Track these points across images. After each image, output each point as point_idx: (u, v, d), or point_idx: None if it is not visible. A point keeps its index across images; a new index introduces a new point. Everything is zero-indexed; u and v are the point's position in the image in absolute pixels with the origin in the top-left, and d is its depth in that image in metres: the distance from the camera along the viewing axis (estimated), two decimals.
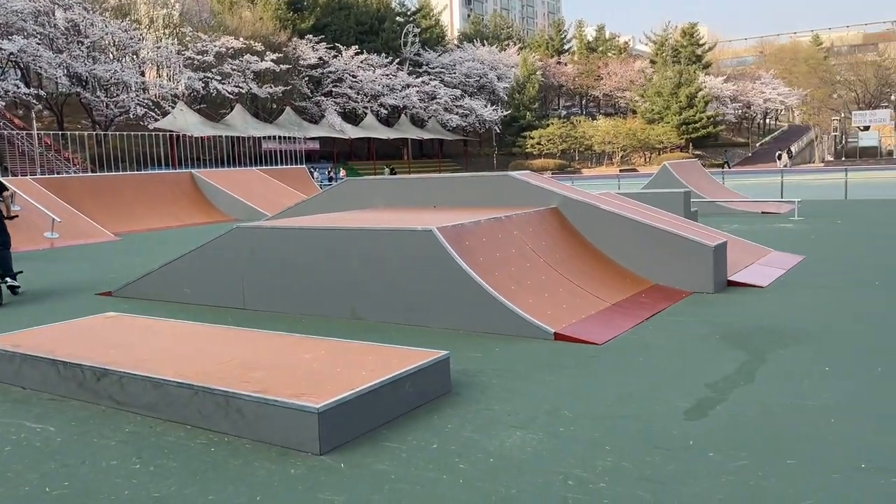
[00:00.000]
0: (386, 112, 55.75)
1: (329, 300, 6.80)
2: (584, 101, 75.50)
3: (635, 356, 5.18)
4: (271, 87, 47.46)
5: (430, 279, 6.29)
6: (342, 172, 43.30)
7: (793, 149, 63.29)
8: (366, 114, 54.19)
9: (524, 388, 4.53)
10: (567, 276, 7.01)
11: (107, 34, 39.90)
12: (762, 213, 16.49)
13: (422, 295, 6.33)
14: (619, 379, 4.67)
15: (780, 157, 56.47)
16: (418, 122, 59.59)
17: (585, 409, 4.13)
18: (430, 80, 57.80)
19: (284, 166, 27.00)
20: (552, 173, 50.74)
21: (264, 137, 43.54)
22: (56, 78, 37.70)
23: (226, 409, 3.86)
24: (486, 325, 5.95)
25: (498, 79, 62.95)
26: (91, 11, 39.39)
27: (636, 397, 4.30)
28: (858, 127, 60.15)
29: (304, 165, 31.65)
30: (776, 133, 72.83)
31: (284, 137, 43.74)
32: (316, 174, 40.35)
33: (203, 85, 44.01)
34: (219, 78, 44.52)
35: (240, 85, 45.49)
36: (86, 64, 38.67)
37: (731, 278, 7.81)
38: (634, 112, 65.81)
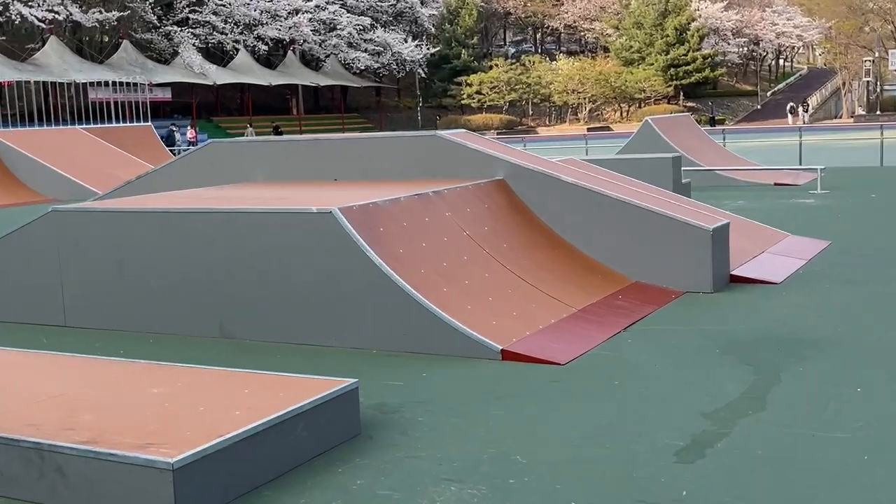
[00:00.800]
0: (266, 49, 55.02)
1: (188, 312, 6.78)
2: (539, 36, 76.36)
3: (610, 379, 5.29)
4: (100, 11, 46.19)
5: (329, 280, 6.31)
6: (190, 132, 42.11)
7: (813, 100, 65.43)
8: (237, 50, 53.34)
9: (462, 427, 4.56)
10: (518, 272, 7.10)
11: None
12: (775, 184, 17.20)
13: (319, 302, 6.34)
14: (590, 410, 4.75)
15: (792, 112, 58.37)
16: (312, 62, 59.09)
17: (544, 451, 4.20)
18: (328, 3, 57.34)
19: (122, 124, 26.39)
20: (497, 133, 51.11)
21: (92, 83, 42.33)
22: None
23: (40, 467, 3.77)
24: (409, 341, 6.02)
25: (422, 3, 63.00)
26: None
27: (612, 434, 4.39)
28: None
29: (149, 122, 30.97)
30: (792, 79, 75.24)
31: (121, 84, 42.59)
32: (178, 136, 39.37)
33: (0, 8, 42.45)
34: None
35: (55, 8, 44.08)
36: None
37: (734, 272, 8.02)
38: (607, 50, 66.97)
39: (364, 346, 6.16)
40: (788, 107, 60.22)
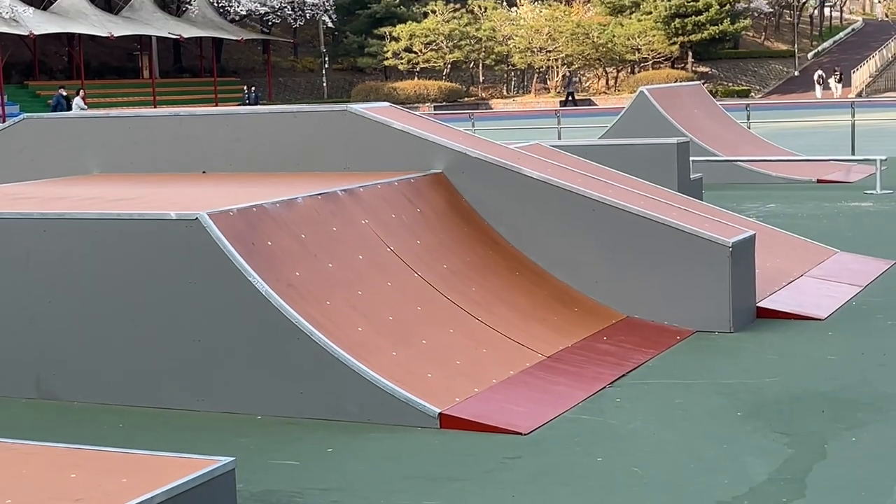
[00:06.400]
0: None
1: None
2: None
3: (590, 455, 5.29)
4: None
5: (194, 316, 6.30)
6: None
7: (870, 64, 65.85)
8: None
9: None
10: (463, 304, 7.15)
11: None
12: (818, 181, 17.65)
13: (178, 347, 6.32)
14: (562, 499, 4.73)
15: (821, 82, 59.05)
16: (172, 4, 58.62)
17: None
18: None
19: None
20: (435, 107, 51.15)
21: None
22: None
23: None
24: (308, 403, 6.02)
25: None
26: None
27: None
28: None
29: None
30: (842, 34, 75.78)
31: None
32: (78, 102, 38.01)
33: None
34: None
35: None
36: None
37: (762, 304, 8.15)
38: None
39: (244, 409, 6.14)
40: (816, 75, 60.65)
